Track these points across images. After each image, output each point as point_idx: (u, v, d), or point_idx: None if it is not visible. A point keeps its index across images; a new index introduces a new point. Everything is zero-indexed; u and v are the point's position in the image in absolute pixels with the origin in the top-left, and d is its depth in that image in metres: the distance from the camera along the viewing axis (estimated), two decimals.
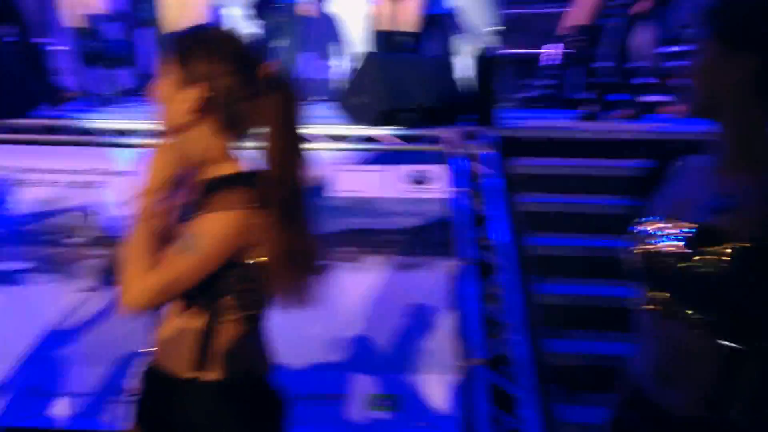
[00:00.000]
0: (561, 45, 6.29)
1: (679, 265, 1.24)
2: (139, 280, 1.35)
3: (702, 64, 1.24)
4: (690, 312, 1.23)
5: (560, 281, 3.62)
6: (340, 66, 7.01)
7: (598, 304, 3.30)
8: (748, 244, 1.18)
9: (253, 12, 6.35)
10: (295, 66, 6.12)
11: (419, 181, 4.32)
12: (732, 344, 1.20)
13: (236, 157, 1.47)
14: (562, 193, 4.08)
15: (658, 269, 1.29)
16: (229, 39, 1.44)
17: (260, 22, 6.18)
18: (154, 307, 1.41)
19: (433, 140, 4.59)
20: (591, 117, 5.35)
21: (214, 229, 1.36)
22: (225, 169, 1.43)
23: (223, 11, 7.11)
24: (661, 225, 1.31)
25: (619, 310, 3.16)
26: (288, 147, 1.43)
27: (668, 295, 1.27)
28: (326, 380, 3.05)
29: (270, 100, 1.42)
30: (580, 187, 4.05)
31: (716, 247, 1.21)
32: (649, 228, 1.33)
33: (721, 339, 1.20)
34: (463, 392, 2.98)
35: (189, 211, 1.42)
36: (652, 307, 1.30)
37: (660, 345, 1.28)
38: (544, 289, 3.52)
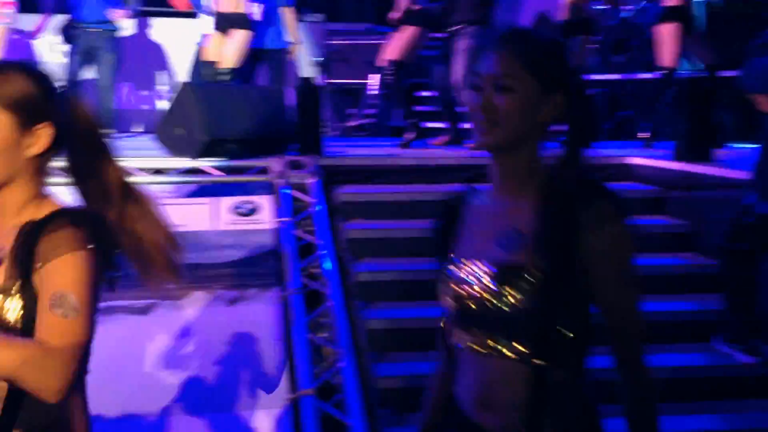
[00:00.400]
0: (380, 76, 6.53)
1: (488, 304, 1.34)
2: (43, 373, 1.21)
3: (518, 102, 1.33)
4: (502, 345, 1.33)
5: (384, 306, 3.72)
6: (162, 96, 6.82)
7: (422, 326, 3.43)
8: (541, 275, 1.30)
9: (62, 38, 6.00)
10: (110, 96, 5.86)
11: (246, 212, 4.29)
12: (541, 368, 1.32)
13: (49, 194, 1.37)
14: (385, 219, 4.21)
15: (469, 310, 1.37)
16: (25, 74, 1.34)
17: (70, 48, 5.84)
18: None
19: (260, 170, 4.59)
20: (406, 144, 5.60)
21: (78, 274, 1.25)
22: (44, 210, 1.32)
23: (35, 41, 6.69)
24: (466, 267, 1.38)
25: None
26: (110, 182, 1.40)
27: (482, 331, 1.35)
28: (145, 428, 2.92)
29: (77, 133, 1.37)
30: (402, 213, 4.20)
31: (518, 282, 1.31)
32: (455, 270, 1.40)
33: (531, 365, 1.32)
34: (293, 425, 2.97)
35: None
36: (468, 345, 1.37)
37: (477, 375, 1.37)
38: (370, 314, 3.60)
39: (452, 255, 1.42)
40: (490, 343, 1.34)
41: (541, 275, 1.30)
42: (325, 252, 3.81)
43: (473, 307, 1.36)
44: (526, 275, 1.31)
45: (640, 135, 5.83)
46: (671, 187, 4.50)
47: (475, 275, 1.36)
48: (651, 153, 5.12)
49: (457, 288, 1.38)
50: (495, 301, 1.33)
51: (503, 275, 1.33)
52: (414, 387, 3.26)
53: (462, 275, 1.38)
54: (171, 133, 4.52)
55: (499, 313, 1.32)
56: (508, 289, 1.32)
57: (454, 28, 5.22)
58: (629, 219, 1.38)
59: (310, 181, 4.34)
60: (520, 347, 1.32)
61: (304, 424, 2.87)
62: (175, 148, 4.55)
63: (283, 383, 3.13)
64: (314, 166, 4.43)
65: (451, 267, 1.40)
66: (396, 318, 3.58)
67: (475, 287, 1.36)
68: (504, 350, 1.33)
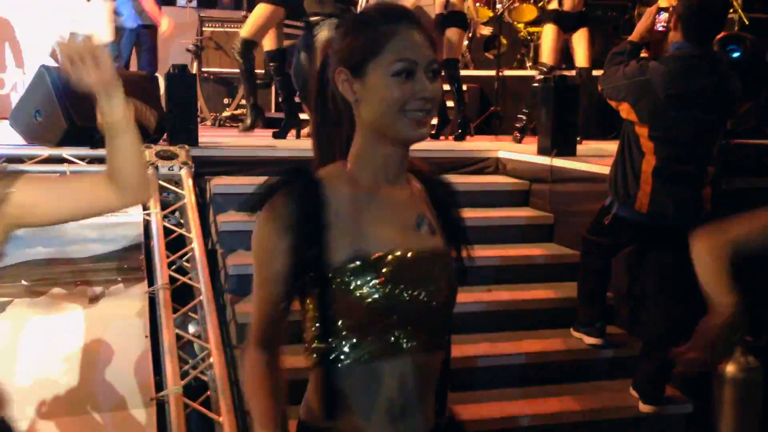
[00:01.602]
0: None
1: (418, 299, 1.30)
2: None
3: (441, 87, 1.33)
4: (416, 341, 1.31)
5: None
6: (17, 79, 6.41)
7: (290, 318, 3.41)
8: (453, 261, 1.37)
9: None
10: None
11: None
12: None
13: None
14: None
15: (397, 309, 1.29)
16: None
17: None
18: None
19: None
20: (281, 135, 5.58)
21: None
22: None
23: None
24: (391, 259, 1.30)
25: None
26: None
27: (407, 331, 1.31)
28: None
29: None
30: None
31: (444, 269, 1.35)
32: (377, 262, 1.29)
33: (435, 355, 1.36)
34: (161, 424, 2.88)
35: None
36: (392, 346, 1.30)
37: (390, 381, 1.31)
38: (241, 307, 3.54)
39: (353, 247, 1.28)
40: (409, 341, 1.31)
41: (452, 260, 1.38)
42: (195, 245, 3.71)
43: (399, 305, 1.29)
44: (448, 262, 1.37)
45: (516, 127, 6.06)
46: (537, 181, 4.70)
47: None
48: (519, 147, 5.33)
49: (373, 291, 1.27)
50: (425, 297, 1.31)
51: (430, 262, 1.33)
52: (288, 381, 3.26)
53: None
54: (27, 119, 4.25)
55: (428, 308, 1.32)
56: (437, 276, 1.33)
57: (312, 18, 5.25)
58: None
59: (181, 171, 4.21)
60: (432, 340, 1.35)
61: (171, 423, 2.78)
62: (32, 135, 4.28)
63: (150, 382, 3.02)
64: (186, 157, 4.30)
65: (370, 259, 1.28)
66: None
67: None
68: (419, 345, 1.32)
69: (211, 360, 3.13)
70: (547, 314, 3.89)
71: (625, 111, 3.27)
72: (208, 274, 3.54)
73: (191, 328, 3.44)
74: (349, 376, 1.29)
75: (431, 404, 1.37)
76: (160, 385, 3.01)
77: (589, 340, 3.64)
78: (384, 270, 1.27)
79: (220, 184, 4.34)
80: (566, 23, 5.81)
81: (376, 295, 1.26)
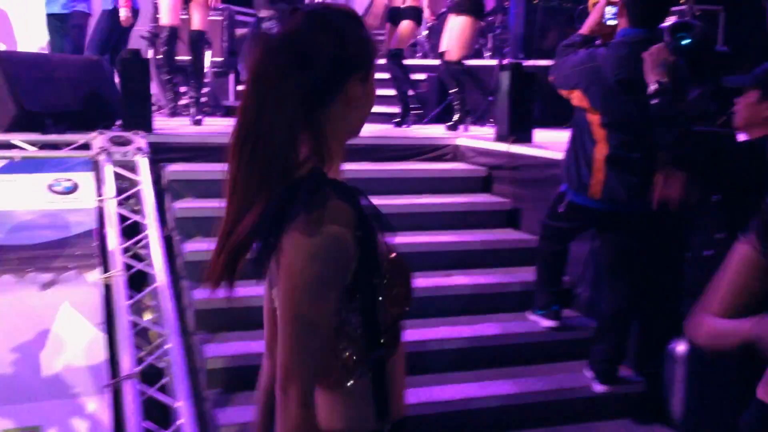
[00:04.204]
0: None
1: None
2: None
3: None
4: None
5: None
6: None
7: (251, 305, 3.38)
8: None
9: None
10: None
11: (64, 190, 4.01)
12: None
13: None
14: (216, 197, 4.09)
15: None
16: None
17: None
18: None
19: (81, 146, 4.31)
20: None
21: None
22: None
23: None
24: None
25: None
26: None
27: None
28: None
29: None
30: None
31: None
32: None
33: None
34: (117, 411, 2.84)
35: None
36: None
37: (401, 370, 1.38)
38: (199, 293, 3.50)
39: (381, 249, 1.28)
40: None
41: None
42: (151, 231, 3.65)
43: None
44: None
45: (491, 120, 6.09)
46: (495, 168, 4.74)
47: None
48: (477, 135, 5.36)
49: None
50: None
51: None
52: (243, 366, 3.24)
53: None
54: None
55: None
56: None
57: (262, 14, 5.25)
58: None
59: (136, 158, 4.14)
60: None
61: (127, 409, 2.74)
62: None
63: (103, 369, 2.97)
64: (141, 143, 4.23)
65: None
66: (225, 297, 3.50)
67: None
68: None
69: (167, 346, 3.09)
70: (505, 298, 3.93)
71: (577, 98, 3.30)
72: (164, 260, 3.50)
73: (146, 315, 3.39)
74: (388, 372, 1.31)
75: None
76: (115, 372, 2.97)
77: (546, 323, 3.70)
78: (399, 266, 1.31)
79: (176, 170, 4.28)
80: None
81: (402, 291, 1.30)
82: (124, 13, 6.07)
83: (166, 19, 5.60)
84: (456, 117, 5.81)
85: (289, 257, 1.18)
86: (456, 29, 5.69)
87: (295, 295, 1.19)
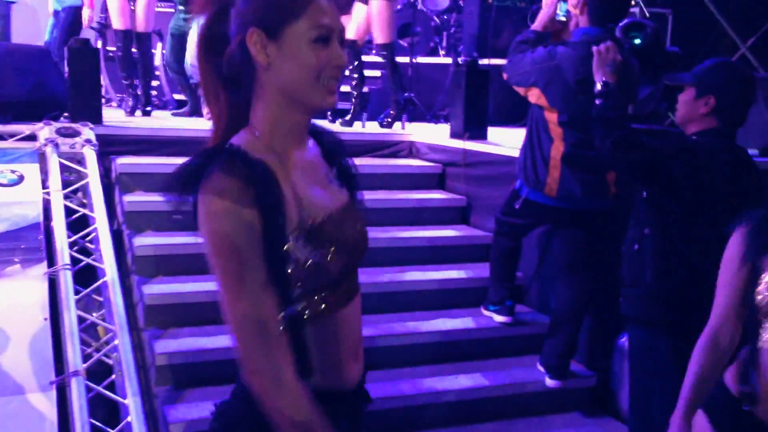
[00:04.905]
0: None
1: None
2: None
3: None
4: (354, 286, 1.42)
5: (164, 280, 3.57)
6: None
7: (202, 300, 3.33)
8: None
9: None
10: None
11: (8, 183, 3.89)
12: None
13: None
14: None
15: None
16: None
17: None
18: None
19: (26, 137, 4.19)
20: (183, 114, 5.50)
21: None
22: None
23: None
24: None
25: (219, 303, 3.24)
26: None
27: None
28: None
29: None
30: None
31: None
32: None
33: None
34: (63, 408, 2.75)
35: None
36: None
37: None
38: (149, 289, 3.43)
39: (301, 215, 1.28)
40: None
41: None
42: (99, 225, 3.56)
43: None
44: (359, 208, 1.43)
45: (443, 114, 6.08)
46: (450, 164, 4.76)
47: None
48: (432, 131, 5.37)
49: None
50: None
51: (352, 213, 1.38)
52: (194, 363, 3.19)
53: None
54: None
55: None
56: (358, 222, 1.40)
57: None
58: None
59: (84, 150, 4.03)
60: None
61: (73, 406, 2.66)
62: None
63: (49, 365, 2.88)
64: (89, 135, 4.12)
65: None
66: (176, 293, 3.44)
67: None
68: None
69: (116, 342, 3.02)
70: (459, 294, 3.95)
71: (535, 96, 3.32)
72: (112, 254, 3.41)
73: (94, 311, 3.30)
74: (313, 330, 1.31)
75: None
76: (61, 368, 2.88)
77: (499, 318, 3.72)
78: (324, 232, 1.28)
79: (126, 163, 4.18)
80: None
81: (327, 257, 1.28)
82: (87, 14, 6.03)
83: (117, 23, 5.47)
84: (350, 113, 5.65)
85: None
86: (378, 15, 5.51)
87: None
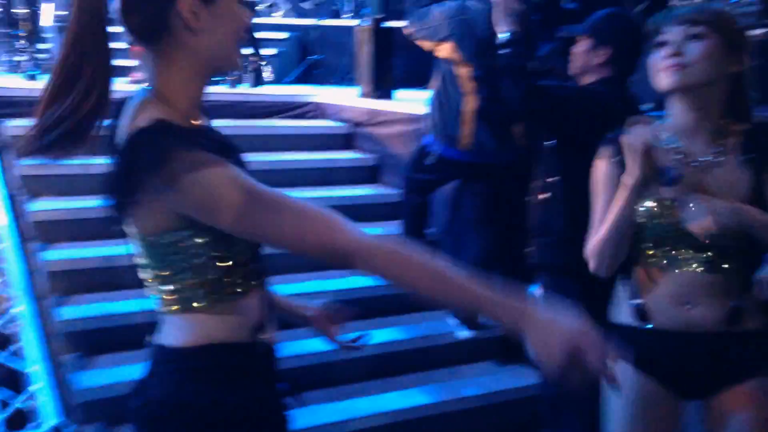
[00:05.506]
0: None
1: None
2: None
3: None
4: None
5: (65, 246, 3.42)
6: None
7: (104, 265, 3.21)
8: None
9: None
10: None
11: None
12: None
13: None
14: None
15: None
16: None
17: None
18: None
19: None
20: None
21: None
22: None
23: None
24: None
25: (124, 268, 3.13)
26: None
27: None
28: None
29: None
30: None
31: None
32: None
33: None
34: None
35: None
36: None
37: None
38: (49, 255, 3.27)
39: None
40: None
41: None
42: None
43: None
44: None
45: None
46: (358, 124, 4.75)
47: None
48: (340, 93, 5.34)
49: None
50: None
51: None
52: (101, 328, 3.08)
53: None
54: None
55: None
56: None
57: None
58: None
59: None
60: None
61: None
62: None
63: None
64: None
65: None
66: (78, 258, 3.30)
67: None
68: None
69: (17, 310, 2.87)
70: None
71: (447, 50, 3.30)
72: (12, 220, 3.23)
73: None
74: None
75: None
76: None
77: None
78: None
79: (17, 126, 3.94)
80: None
81: None
82: None
83: None
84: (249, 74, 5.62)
85: (194, 197, 1.15)
86: None
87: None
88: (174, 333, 1.28)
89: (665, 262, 1.78)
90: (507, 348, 3.65)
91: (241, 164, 1.26)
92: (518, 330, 1.14)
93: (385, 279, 1.23)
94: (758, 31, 4.43)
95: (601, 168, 1.89)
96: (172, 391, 1.27)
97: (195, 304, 1.26)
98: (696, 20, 1.67)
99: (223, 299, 1.27)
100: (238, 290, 1.28)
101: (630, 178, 1.74)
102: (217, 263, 1.25)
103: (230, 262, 1.26)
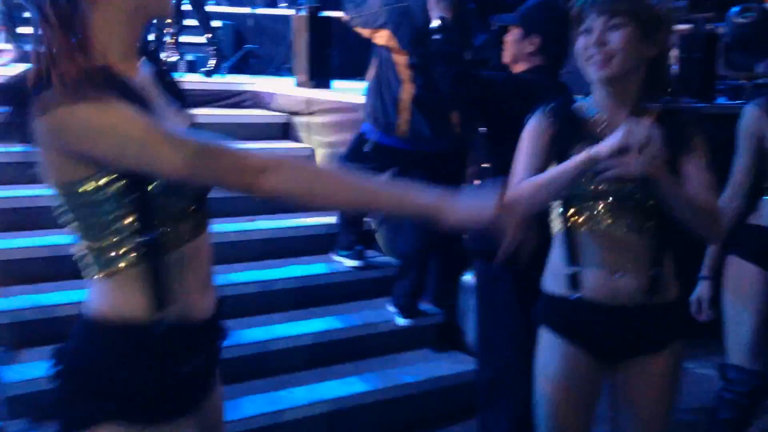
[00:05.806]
0: None
1: None
2: None
3: None
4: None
5: None
6: None
7: (30, 255, 3.10)
8: None
9: None
10: None
11: None
12: None
13: None
14: None
15: None
16: None
17: None
18: None
19: None
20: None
21: None
22: None
23: None
24: None
25: (49, 260, 3.02)
26: None
27: None
28: None
29: None
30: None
31: None
32: None
33: None
34: None
35: None
36: None
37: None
38: None
39: None
40: None
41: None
42: None
43: None
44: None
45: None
46: (295, 114, 4.70)
47: None
48: (277, 82, 5.28)
49: None
50: None
51: None
52: (28, 321, 2.96)
53: None
54: None
55: None
56: None
57: None
58: None
59: None
60: None
61: None
62: None
63: None
64: None
65: None
66: (3, 249, 3.17)
67: None
68: None
69: None
70: (311, 240, 3.95)
71: (384, 38, 3.30)
72: None
73: None
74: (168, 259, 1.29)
75: None
76: None
77: (350, 263, 3.76)
78: None
79: None
80: None
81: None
82: None
83: None
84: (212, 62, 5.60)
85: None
86: None
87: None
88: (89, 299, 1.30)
89: (591, 223, 1.82)
90: (444, 335, 3.69)
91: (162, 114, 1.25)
92: (439, 219, 1.25)
93: (299, 195, 1.27)
94: (684, 26, 4.59)
95: (533, 123, 1.91)
96: (91, 348, 1.29)
97: (108, 269, 1.26)
98: (615, 11, 1.70)
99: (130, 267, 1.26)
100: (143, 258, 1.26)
101: (601, 152, 1.63)
102: (126, 221, 1.24)
103: (140, 223, 1.24)
